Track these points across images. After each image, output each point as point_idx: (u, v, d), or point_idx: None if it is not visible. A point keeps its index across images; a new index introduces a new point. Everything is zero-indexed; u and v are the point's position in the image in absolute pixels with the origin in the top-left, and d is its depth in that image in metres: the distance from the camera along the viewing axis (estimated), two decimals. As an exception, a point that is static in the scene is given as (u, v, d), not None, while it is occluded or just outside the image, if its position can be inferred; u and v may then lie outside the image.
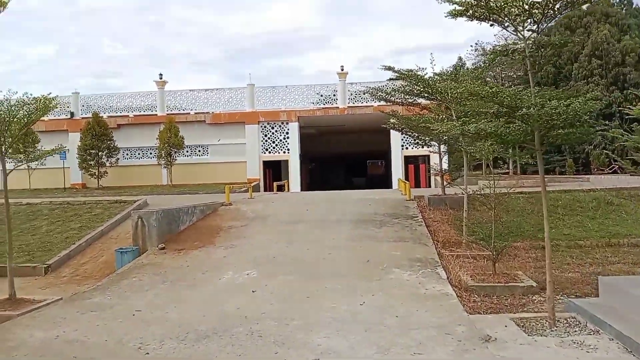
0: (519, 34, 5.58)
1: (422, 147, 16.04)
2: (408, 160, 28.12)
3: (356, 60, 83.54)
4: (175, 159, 26.12)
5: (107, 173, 26.44)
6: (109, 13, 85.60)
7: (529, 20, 5.41)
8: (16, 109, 8.00)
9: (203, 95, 29.18)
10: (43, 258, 12.38)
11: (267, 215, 14.16)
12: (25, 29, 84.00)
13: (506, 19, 5.55)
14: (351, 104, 27.94)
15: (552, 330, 5.57)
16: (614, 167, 35.71)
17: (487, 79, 11.24)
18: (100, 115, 27.46)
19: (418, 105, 14.38)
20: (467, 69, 14.99)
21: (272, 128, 28.26)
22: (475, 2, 5.63)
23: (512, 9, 5.43)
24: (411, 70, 12.21)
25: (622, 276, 7.62)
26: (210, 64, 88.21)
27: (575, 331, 5.48)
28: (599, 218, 12.68)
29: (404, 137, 23.49)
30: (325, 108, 28.16)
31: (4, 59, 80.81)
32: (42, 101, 8.11)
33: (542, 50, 5.40)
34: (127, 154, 28.73)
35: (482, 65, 13.39)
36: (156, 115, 28.71)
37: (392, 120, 16.47)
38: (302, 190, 27.44)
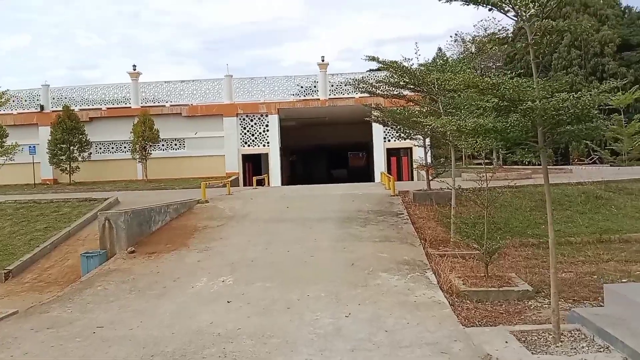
0: (520, 19, 5.00)
1: (405, 139, 15.43)
2: (390, 152, 27.66)
3: (336, 51, 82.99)
4: (151, 153, 25.11)
5: (79, 168, 25.45)
6: (83, 2, 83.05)
7: (532, 4, 4.81)
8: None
9: (179, 87, 28.15)
10: (4, 263, 11.59)
11: (245, 214, 13.47)
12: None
13: (506, 1, 4.95)
14: (332, 96, 27.26)
15: (557, 347, 5.07)
16: (593, 157, 35.82)
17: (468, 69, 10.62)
18: (72, 108, 26.32)
19: (403, 97, 13.78)
20: (454, 59, 14.36)
21: (252, 120, 27.45)
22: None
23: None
24: (396, 62, 11.56)
25: (628, 283, 7.17)
26: (188, 55, 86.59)
27: (583, 347, 4.98)
28: (589, 213, 12.34)
29: (386, 129, 22.92)
30: (306, 100, 27.42)
31: (-28, 49, 77.79)
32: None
33: (547, 37, 4.81)
34: (100, 148, 27.63)
35: (470, 55, 12.84)
36: (130, 107, 27.61)
37: (375, 113, 15.88)
38: (282, 184, 26.76)
